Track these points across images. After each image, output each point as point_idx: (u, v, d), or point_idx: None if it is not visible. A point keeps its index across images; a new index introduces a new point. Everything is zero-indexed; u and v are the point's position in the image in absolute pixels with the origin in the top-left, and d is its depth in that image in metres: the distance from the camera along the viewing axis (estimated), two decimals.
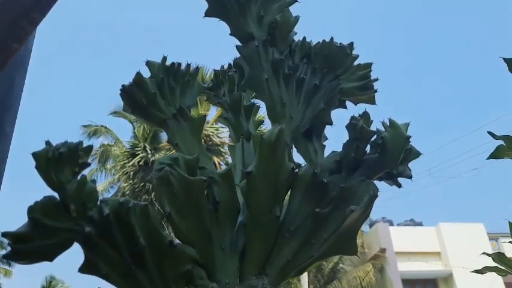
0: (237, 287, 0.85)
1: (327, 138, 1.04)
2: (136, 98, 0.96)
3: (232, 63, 1.21)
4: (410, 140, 0.90)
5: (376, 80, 1.06)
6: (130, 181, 17.86)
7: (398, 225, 16.06)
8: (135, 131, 18.41)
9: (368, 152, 0.93)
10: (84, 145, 0.83)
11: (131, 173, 17.66)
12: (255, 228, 0.88)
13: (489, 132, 2.00)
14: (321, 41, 1.02)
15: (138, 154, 17.95)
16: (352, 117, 0.93)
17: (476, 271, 2.51)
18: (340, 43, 1.02)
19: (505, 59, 1.66)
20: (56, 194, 0.80)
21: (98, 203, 0.80)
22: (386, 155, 0.90)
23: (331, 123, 1.01)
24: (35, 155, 0.80)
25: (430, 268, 15.16)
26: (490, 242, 15.59)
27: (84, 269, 0.78)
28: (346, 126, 0.96)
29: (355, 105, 1.08)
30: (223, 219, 0.88)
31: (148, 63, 1.00)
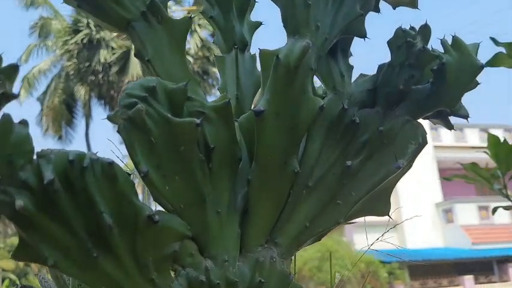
0: (238, 261, 0.63)
1: (352, 55, 0.77)
2: None
3: None
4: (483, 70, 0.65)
5: None
6: (75, 60, 16.76)
7: None
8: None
9: (417, 81, 0.68)
10: (6, 61, 0.51)
11: (75, 51, 16.53)
12: (263, 185, 0.64)
13: (491, 38, 1.77)
14: None
15: (82, 31, 16.64)
16: (403, 31, 0.65)
17: (445, 178, 2.46)
18: None
19: None
20: None
21: (34, 157, 0.51)
22: (445, 88, 0.65)
23: (364, 36, 0.73)
24: None
25: None
26: (430, 131, 16.43)
27: (22, 255, 0.52)
28: (389, 42, 0.69)
29: (394, 8, 0.79)
30: (218, 173, 0.63)
31: None
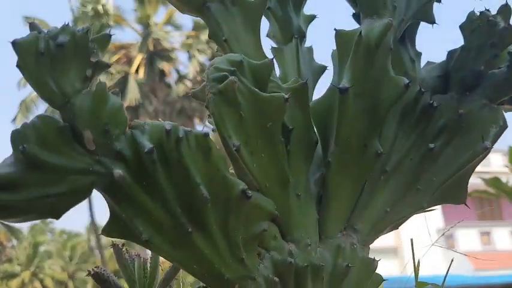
0: (319, 248, 0.61)
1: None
2: None
3: None
4: None
5: None
6: None
7: None
8: None
9: (495, 64, 0.67)
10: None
11: None
12: (344, 167, 0.62)
13: None
14: None
15: None
16: (482, 13, 0.65)
17: None
18: None
19: None
20: (57, 114, 0.49)
21: (128, 129, 0.50)
22: None
23: (434, 22, 0.72)
24: (16, 44, 0.47)
25: None
26: None
27: (113, 230, 0.50)
28: (462, 26, 0.68)
29: None
30: (296, 155, 0.61)
31: None
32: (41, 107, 17.96)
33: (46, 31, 0.49)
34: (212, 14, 0.65)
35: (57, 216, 0.49)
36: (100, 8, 16.95)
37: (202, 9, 0.65)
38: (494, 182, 2.05)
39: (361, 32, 0.61)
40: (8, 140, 0.47)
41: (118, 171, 0.47)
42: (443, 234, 0.92)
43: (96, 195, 0.50)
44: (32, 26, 0.49)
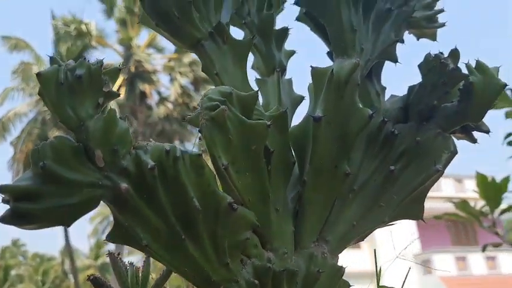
0: (294, 256, 0.69)
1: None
2: (165, 6, 0.71)
3: None
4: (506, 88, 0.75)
5: (442, 11, 0.89)
6: None
7: None
8: (59, 50, 16.99)
9: (447, 99, 0.78)
10: (93, 62, 0.59)
11: None
12: (317, 186, 0.71)
13: None
14: None
15: None
16: (436, 55, 0.76)
17: (435, 217, 2.56)
18: None
19: None
20: (71, 135, 0.57)
21: (132, 149, 0.58)
22: (471, 105, 0.75)
23: (396, 61, 0.83)
24: (40, 76, 0.55)
25: None
26: None
27: (116, 236, 0.58)
28: (420, 65, 0.79)
29: (418, 40, 0.90)
30: (276, 174, 0.70)
31: None
32: (18, 125, 17.71)
33: (65, 64, 0.57)
34: (206, 51, 0.74)
35: (68, 224, 0.56)
36: (83, 27, 17.00)
37: (197, 46, 0.74)
38: (463, 205, 2.17)
39: (332, 70, 0.71)
40: None
41: (124, 185, 0.55)
42: (406, 248, 1.01)
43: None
44: (53, 60, 0.58)
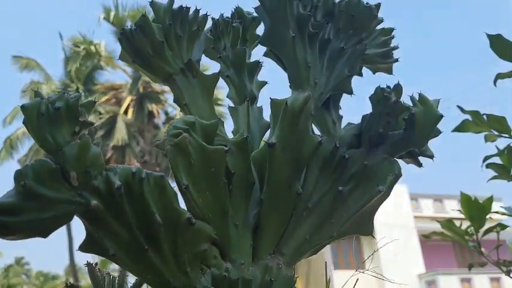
0: (251, 266, 0.77)
1: (341, 108, 0.96)
2: (139, 45, 0.81)
3: (234, 13, 1.08)
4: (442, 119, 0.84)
5: (397, 48, 0.99)
6: None
7: None
8: (68, 69, 17.33)
9: (392, 128, 0.87)
10: (74, 96, 0.69)
11: None
12: (273, 204, 0.80)
13: (458, 106, 2.02)
14: None
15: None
16: (382, 89, 0.85)
17: (424, 236, 2.61)
18: (367, 2, 0.92)
19: (488, 35, 1.65)
20: (49, 159, 0.66)
21: (103, 171, 0.67)
22: (414, 133, 0.84)
23: (351, 93, 0.93)
24: (24, 108, 0.65)
25: None
26: (411, 202, 16.69)
27: (87, 247, 0.66)
28: (371, 97, 0.88)
29: (374, 73, 1.00)
30: (237, 193, 0.79)
31: (153, 4, 0.85)
32: (27, 143, 17.91)
33: (47, 97, 0.67)
34: (177, 84, 0.84)
35: (45, 236, 0.65)
36: (92, 48, 17.33)
37: (169, 80, 0.84)
38: (448, 224, 2.23)
39: (287, 102, 0.80)
40: None
41: (94, 202, 0.64)
42: (367, 259, 1.08)
43: (78, 237, 0.67)
44: (37, 93, 0.67)
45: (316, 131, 0.91)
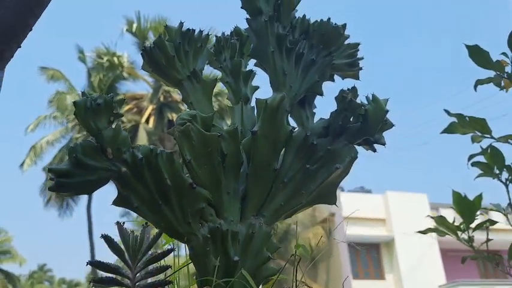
0: (239, 224, 1.03)
1: (316, 107, 1.22)
2: (156, 58, 1.09)
3: (233, 31, 1.34)
4: (388, 113, 1.09)
5: (362, 58, 1.23)
6: (84, 132, 17.49)
7: (348, 191, 16.76)
8: (92, 80, 17.95)
9: (351, 120, 1.11)
10: (112, 97, 0.96)
11: None
12: (256, 178, 1.05)
13: (445, 110, 2.25)
14: (319, 20, 1.18)
15: None
16: (342, 91, 1.10)
17: (420, 231, 2.82)
18: (335, 23, 1.18)
19: (467, 46, 1.88)
20: (93, 139, 0.93)
21: (130, 148, 0.94)
22: (367, 125, 1.09)
23: (322, 94, 1.18)
24: (75, 103, 0.93)
25: (373, 233, 16.09)
26: (431, 211, 16.65)
27: (118, 202, 0.93)
28: (335, 98, 1.13)
29: (343, 79, 1.25)
30: (229, 169, 1.04)
31: (167, 28, 1.13)
32: (51, 151, 18.44)
33: (91, 96, 0.94)
34: (184, 88, 1.11)
35: (90, 192, 0.92)
36: (115, 59, 17.92)
37: (179, 85, 1.11)
38: (441, 220, 2.44)
39: (267, 100, 1.06)
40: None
41: (124, 169, 0.91)
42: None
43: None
44: (83, 94, 0.95)
45: (294, 124, 1.16)
